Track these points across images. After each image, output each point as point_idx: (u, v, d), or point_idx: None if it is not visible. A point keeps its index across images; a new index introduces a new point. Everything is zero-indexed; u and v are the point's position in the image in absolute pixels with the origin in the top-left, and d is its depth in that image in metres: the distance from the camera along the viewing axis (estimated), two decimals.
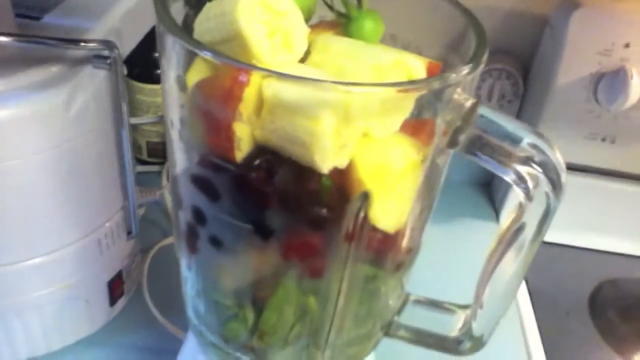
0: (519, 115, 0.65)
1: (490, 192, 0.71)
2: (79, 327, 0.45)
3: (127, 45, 0.43)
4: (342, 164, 0.19)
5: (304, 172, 0.19)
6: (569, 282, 0.63)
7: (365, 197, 0.20)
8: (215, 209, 0.21)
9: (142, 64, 0.58)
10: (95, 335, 0.46)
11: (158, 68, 0.59)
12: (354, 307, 0.24)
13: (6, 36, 0.32)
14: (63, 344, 0.44)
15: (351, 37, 0.22)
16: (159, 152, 0.64)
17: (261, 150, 0.19)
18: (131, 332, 0.47)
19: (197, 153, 0.21)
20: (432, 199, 0.24)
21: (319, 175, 0.19)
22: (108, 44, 0.36)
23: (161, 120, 0.61)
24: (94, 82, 0.37)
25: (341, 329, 0.24)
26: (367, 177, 0.19)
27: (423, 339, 0.26)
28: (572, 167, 0.63)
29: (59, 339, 0.44)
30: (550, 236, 0.65)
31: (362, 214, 0.20)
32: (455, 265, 0.58)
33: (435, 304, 0.27)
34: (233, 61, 0.18)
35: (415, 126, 0.20)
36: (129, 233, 0.46)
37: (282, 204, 0.19)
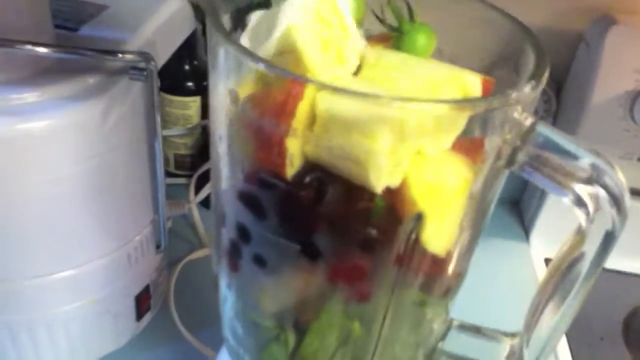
0: None
1: (519, 210, 0.70)
2: (105, 342, 0.44)
3: (161, 58, 0.43)
4: (395, 183, 0.18)
5: (357, 191, 0.18)
6: (602, 307, 0.61)
7: (419, 218, 0.19)
8: (261, 227, 0.20)
9: (172, 76, 0.58)
10: (120, 350, 0.46)
11: (188, 80, 0.59)
12: (400, 333, 0.23)
13: (46, 47, 0.32)
14: (89, 358, 0.44)
15: (402, 51, 0.21)
16: (186, 165, 0.63)
17: (312, 167, 0.18)
18: (157, 347, 0.47)
19: (244, 169, 0.20)
20: (483, 221, 0.23)
21: (372, 194, 0.18)
22: (145, 56, 0.36)
23: (190, 132, 0.61)
24: (129, 93, 0.36)
25: (384, 355, 0.23)
26: (420, 197, 0.19)
27: None
28: None
29: (84, 354, 0.44)
30: None
31: (413, 236, 0.19)
32: (485, 286, 0.56)
33: (479, 331, 0.25)
34: (287, 73, 0.17)
35: (469, 145, 0.19)
36: (157, 247, 0.46)
37: (332, 224, 0.19)
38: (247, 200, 0.20)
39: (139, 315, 0.46)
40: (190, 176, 0.62)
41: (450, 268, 0.22)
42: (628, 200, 0.20)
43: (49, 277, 0.38)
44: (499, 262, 0.62)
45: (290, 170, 0.18)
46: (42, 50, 0.32)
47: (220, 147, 0.21)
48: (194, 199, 0.56)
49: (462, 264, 0.23)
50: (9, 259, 0.36)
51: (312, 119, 0.17)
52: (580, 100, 0.58)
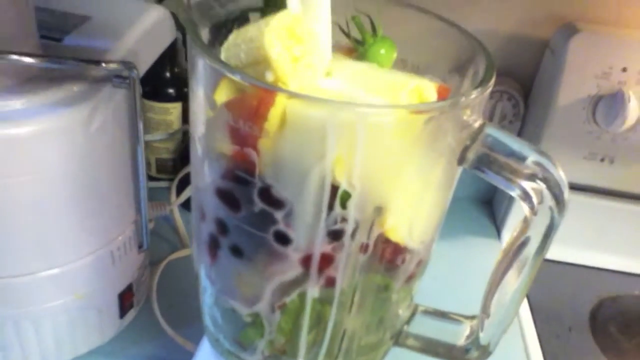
0: (519, 136, 0.66)
1: (491, 209, 0.72)
2: (90, 338, 0.46)
3: (143, 65, 0.44)
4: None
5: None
6: (570, 299, 0.64)
7: (379, 210, 0.21)
8: (237, 219, 0.22)
9: (153, 83, 0.59)
10: (105, 346, 0.47)
11: (169, 87, 0.60)
12: (367, 315, 0.25)
13: (32, 57, 0.34)
14: (75, 354, 0.45)
15: (366, 61, 0.24)
16: (167, 169, 0.65)
17: (282, 167, 0.20)
18: (140, 343, 0.48)
19: (221, 167, 0.22)
20: (442, 213, 0.25)
21: (337, 188, 0.20)
22: (127, 65, 0.37)
23: (171, 137, 0.62)
24: (113, 100, 0.38)
25: (353, 336, 0.25)
26: (381, 191, 0.21)
27: (431, 347, 0.27)
28: (572, 187, 0.64)
29: (70, 349, 0.45)
30: (552, 254, 0.66)
31: (376, 227, 0.22)
32: (457, 279, 0.59)
33: (442, 315, 0.28)
34: (260, 83, 0.20)
35: (426, 148, 0.21)
36: (140, 247, 0.47)
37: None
38: (224, 195, 0.22)
39: (123, 312, 0.47)
40: (171, 180, 0.63)
41: (412, 256, 0.24)
42: (567, 195, 0.22)
43: (36, 274, 0.39)
44: (471, 257, 0.64)
45: (263, 168, 0.20)
46: (28, 60, 0.34)
47: (200, 148, 0.23)
48: (175, 201, 0.57)
49: (423, 253, 0.25)
50: None
51: (283, 122, 0.19)
52: (546, 104, 0.61)
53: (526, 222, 0.23)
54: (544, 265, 0.72)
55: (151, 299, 0.50)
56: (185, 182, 0.60)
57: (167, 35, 0.49)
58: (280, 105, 0.19)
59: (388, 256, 0.23)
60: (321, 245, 0.22)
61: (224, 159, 0.21)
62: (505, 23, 0.62)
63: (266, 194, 0.21)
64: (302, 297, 0.23)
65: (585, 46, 0.57)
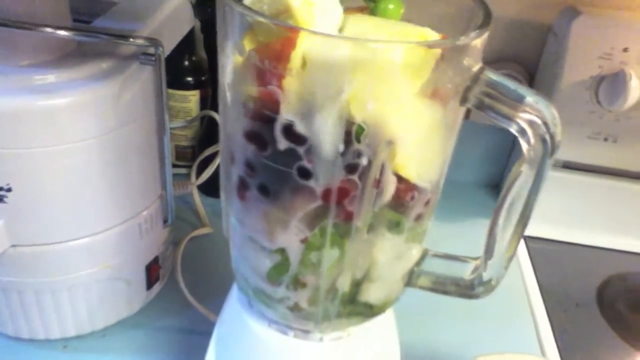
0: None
1: (499, 192, 0.74)
2: (120, 308, 0.48)
3: (166, 47, 0.47)
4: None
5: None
6: (577, 278, 0.65)
7: (389, 145, 0.23)
8: (264, 158, 0.25)
9: (172, 71, 0.62)
10: (133, 317, 0.49)
11: (187, 75, 0.63)
12: (381, 251, 0.27)
13: (66, 30, 0.37)
14: (105, 323, 0.48)
15: (377, 16, 0.26)
16: (187, 156, 0.68)
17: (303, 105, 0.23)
18: (166, 315, 0.51)
19: (249, 110, 0.24)
20: (447, 155, 0.27)
21: (352, 123, 0.23)
22: (154, 42, 0.40)
23: (190, 124, 0.65)
24: (140, 76, 0.41)
25: (370, 273, 0.28)
26: (391, 127, 0.23)
27: (440, 285, 0.30)
28: (577, 167, 0.66)
29: (101, 319, 0.48)
30: (557, 234, 0.69)
31: (387, 162, 0.24)
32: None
33: (451, 257, 0.30)
34: (285, 23, 0.22)
35: (433, 90, 0.24)
36: (165, 221, 0.50)
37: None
38: (252, 136, 0.25)
39: (150, 284, 0.50)
40: (190, 166, 0.66)
41: (421, 194, 0.26)
42: (560, 131, 0.24)
43: (69, 243, 0.42)
44: (478, 239, 0.66)
45: (288, 106, 0.23)
46: (62, 33, 0.36)
47: (229, 95, 0.25)
48: (196, 181, 0.60)
49: (431, 193, 0.27)
50: (34, 226, 0.40)
51: (304, 62, 0.22)
52: (550, 86, 0.63)
53: (522, 157, 0.25)
54: (549, 245, 0.74)
55: (176, 274, 0.52)
56: (204, 167, 0.62)
57: (186, 22, 0.52)
58: (301, 46, 0.22)
59: (399, 193, 0.25)
60: (339, 179, 0.24)
61: (251, 101, 0.24)
62: (508, 8, 0.65)
63: (289, 131, 0.23)
64: (323, 231, 0.26)
65: (587, 28, 0.59)
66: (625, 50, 0.59)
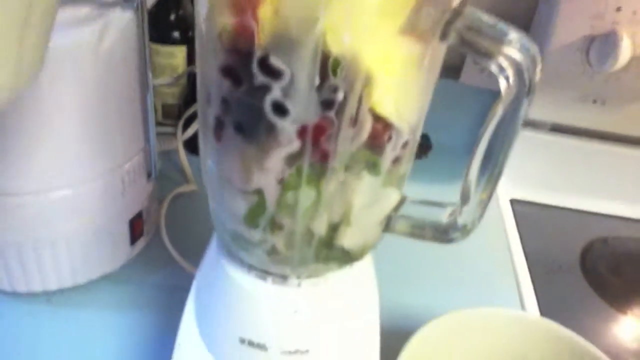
0: None
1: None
2: (103, 263, 0.48)
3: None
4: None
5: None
6: (561, 241, 0.66)
7: (367, 80, 0.23)
8: (239, 94, 0.24)
9: (158, 26, 0.61)
10: (117, 272, 0.49)
11: (174, 30, 0.62)
12: (358, 194, 0.27)
13: None
14: (88, 278, 0.48)
15: None
16: (173, 114, 0.67)
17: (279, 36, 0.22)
18: (150, 271, 0.51)
19: (224, 43, 0.24)
20: (426, 96, 0.27)
21: (328, 56, 0.22)
22: None
23: (177, 81, 0.64)
24: (121, 23, 0.40)
25: (347, 216, 0.27)
26: (368, 61, 0.23)
27: (419, 230, 0.30)
28: (564, 129, 0.66)
29: (84, 273, 0.47)
30: (542, 197, 0.69)
31: (364, 99, 0.24)
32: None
33: (429, 203, 0.30)
34: None
35: (412, 25, 0.23)
36: (148, 175, 0.49)
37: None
38: (227, 71, 0.24)
39: (133, 239, 0.50)
40: (176, 125, 0.65)
41: (398, 136, 0.26)
42: (540, 69, 0.24)
43: (49, 193, 0.42)
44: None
45: (262, 36, 0.22)
46: None
47: (204, 29, 0.25)
48: (182, 136, 0.59)
49: (409, 135, 0.27)
50: (11, 173, 0.40)
51: None
52: (541, 46, 0.62)
53: (500, 98, 0.25)
54: (534, 209, 0.73)
55: (160, 230, 0.52)
56: (190, 123, 0.62)
57: None
58: None
59: (376, 132, 0.25)
60: (315, 116, 0.24)
61: (226, 34, 0.23)
62: None
63: (265, 64, 0.23)
64: (299, 170, 0.25)
65: None
66: (618, 9, 0.58)
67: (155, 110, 0.65)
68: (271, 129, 0.24)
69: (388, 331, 0.37)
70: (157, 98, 0.65)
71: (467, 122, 0.73)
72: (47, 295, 0.47)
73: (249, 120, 0.25)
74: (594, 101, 0.63)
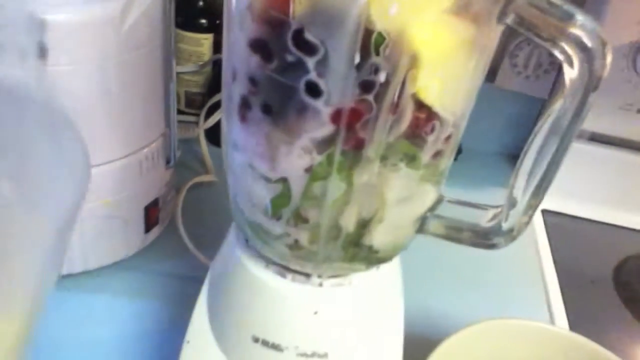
0: (555, 85, 0.65)
1: None
2: (115, 250, 0.47)
3: None
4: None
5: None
6: (595, 255, 0.63)
7: (412, 62, 0.21)
8: (269, 71, 0.22)
9: (185, 12, 0.59)
10: (129, 260, 0.48)
11: (201, 17, 0.60)
12: (392, 189, 0.25)
13: None
14: (99, 264, 0.46)
15: None
16: (196, 103, 0.65)
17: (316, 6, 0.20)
18: (162, 260, 0.49)
19: (255, 12, 0.22)
20: (475, 85, 0.24)
21: (371, 32, 0.20)
22: None
23: (202, 69, 0.63)
24: (145, 2, 0.38)
25: (379, 212, 0.25)
26: (419, 43, 0.20)
27: (455, 232, 0.27)
28: (602, 139, 0.63)
29: (95, 259, 0.46)
30: (577, 209, 0.66)
31: (407, 83, 0.21)
32: None
33: (469, 204, 0.27)
34: None
35: (467, 4, 0.21)
36: (167, 162, 0.48)
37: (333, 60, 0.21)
38: (257, 45, 0.22)
39: (148, 227, 0.48)
40: (199, 114, 0.63)
41: (442, 127, 0.24)
42: (610, 58, 0.21)
43: None
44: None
45: (298, 6, 0.20)
46: None
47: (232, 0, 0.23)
48: (203, 124, 0.58)
49: (453, 128, 0.25)
50: None
51: None
52: None
53: (561, 90, 0.22)
54: (570, 220, 0.71)
55: (176, 219, 0.50)
56: (213, 113, 0.60)
57: None
58: None
59: (417, 122, 0.23)
60: (351, 99, 0.22)
61: (258, 3, 0.21)
62: None
63: (299, 37, 0.21)
64: (330, 159, 0.23)
65: None
66: None
67: (178, 99, 0.64)
68: (302, 111, 0.22)
69: (411, 338, 0.35)
70: (180, 86, 0.64)
71: (498, 127, 0.70)
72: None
73: (278, 101, 0.23)
74: (638, 110, 0.59)
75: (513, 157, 0.72)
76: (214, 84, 0.63)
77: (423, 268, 0.48)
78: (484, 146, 0.70)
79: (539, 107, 0.66)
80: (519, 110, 0.68)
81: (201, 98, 0.65)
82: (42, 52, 0.33)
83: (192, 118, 0.65)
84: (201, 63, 0.62)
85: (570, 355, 0.40)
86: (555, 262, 0.60)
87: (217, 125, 0.59)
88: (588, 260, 0.62)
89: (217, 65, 0.62)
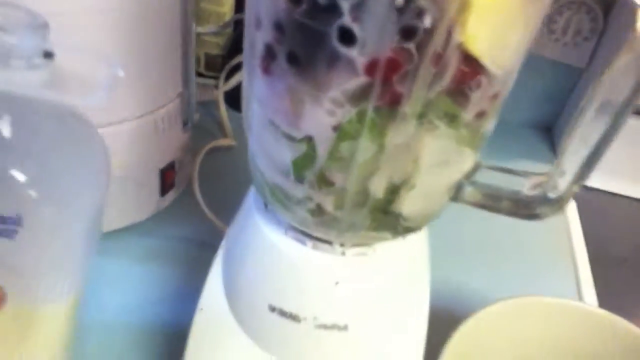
0: (594, 55, 0.61)
1: (551, 136, 0.68)
2: (129, 213, 0.45)
3: None
4: None
5: None
6: (626, 232, 0.61)
7: (462, 6, 0.18)
8: (297, 15, 0.20)
9: None
10: (144, 223, 0.46)
11: None
12: (428, 150, 0.23)
13: None
14: (113, 227, 0.45)
15: None
16: (216, 66, 0.63)
17: None
18: (178, 225, 0.48)
19: None
20: (528, 34, 0.22)
21: None
22: None
23: (222, 30, 0.60)
24: None
25: (412, 176, 0.23)
26: None
27: (493, 201, 0.25)
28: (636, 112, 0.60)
29: (109, 221, 0.44)
30: (611, 186, 0.63)
31: (455, 32, 0.19)
32: None
33: (510, 171, 0.25)
34: None
35: None
36: (184, 124, 0.46)
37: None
38: None
39: (164, 190, 0.46)
40: (218, 77, 0.61)
41: (489, 83, 0.21)
42: None
43: None
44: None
45: None
46: None
47: None
48: (223, 87, 0.56)
49: (500, 85, 0.22)
50: None
51: None
52: (628, 22, 0.55)
53: (628, 45, 0.20)
54: (600, 195, 0.68)
55: (193, 183, 0.49)
56: (233, 75, 0.58)
57: None
58: None
59: (461, 76, 0.20)
60: (390, 47, 0.19)
61: None
62: None
63: None
64: (361, 116, 0.21)
65: None
66: None
67: (197, 61, 0.62)
68: (333, 61, 0.20)
69: (435, 312, 0.33)
70: (199, 47, 0.62)
71: (532, 97, 0.67)
72: None
73: (306, 49, 0.20)
74: None
75: (546, 129, 0.69)
76: (234, 46, 0.60)
77: (450, 241, 0.46)
78: (516, 117, 0.67)
79: (576, 77, 0.63)
80: (554, 80, 0.65)
81: (221, 60, 0.63)
82: (48, 54, 0.31)
83: (211, 81, 0.63)
84: (222, 24, 0.60)
85: (603, 334, 0.39)
86: (585, 238, 0.57)
87: (237, 88, 0.57)
88: (620, 237, 0.59)
89: (238, 26, 0.60)
